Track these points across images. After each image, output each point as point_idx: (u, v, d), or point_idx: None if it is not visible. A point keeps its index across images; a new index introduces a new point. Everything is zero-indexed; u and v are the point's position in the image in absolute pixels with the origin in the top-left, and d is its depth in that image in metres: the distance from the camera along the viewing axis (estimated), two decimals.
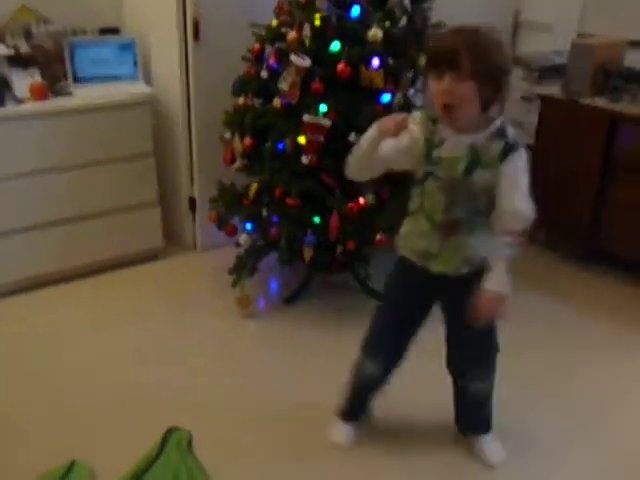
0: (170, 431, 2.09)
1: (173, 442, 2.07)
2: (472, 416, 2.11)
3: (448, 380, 2.08)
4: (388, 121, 1.69)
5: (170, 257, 3.26)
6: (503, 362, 2.59)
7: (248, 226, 2.73)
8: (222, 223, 2.81)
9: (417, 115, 1.74)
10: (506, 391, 2.36)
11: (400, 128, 1.68)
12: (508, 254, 1.68)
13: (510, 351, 2.62)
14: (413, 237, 1.83)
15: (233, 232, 2.81)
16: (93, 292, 2.94)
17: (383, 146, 1.72)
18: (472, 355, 1.97)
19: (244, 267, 2.75)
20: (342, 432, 2.12)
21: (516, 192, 1.68)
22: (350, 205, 2.46)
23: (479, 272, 1.73)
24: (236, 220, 2.79)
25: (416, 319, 1.95)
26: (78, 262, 2.99)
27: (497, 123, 1.68)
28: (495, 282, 1.68)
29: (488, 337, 1.95)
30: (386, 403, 2.17)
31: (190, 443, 2.08)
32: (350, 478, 2.02)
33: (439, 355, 2.03)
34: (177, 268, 3.19)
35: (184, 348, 2.59)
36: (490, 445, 2.09)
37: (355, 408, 2.13)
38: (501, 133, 1.67)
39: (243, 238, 2.74)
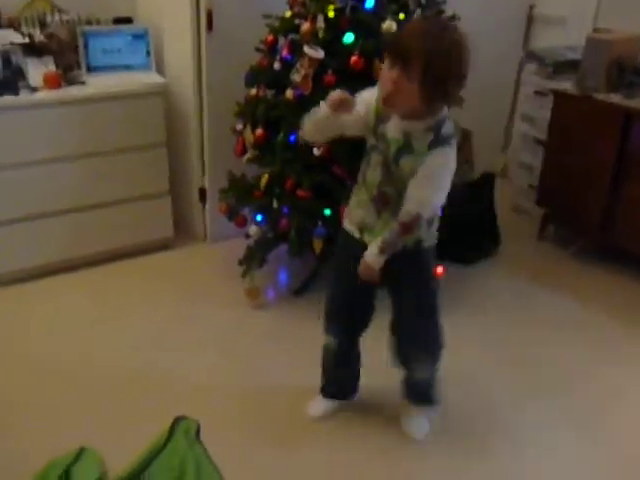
0: (178, 420, 2.09)
1: (181, 431, 2.06)
2: (416, 397, 2.16)
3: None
4: (334, 95, 1.69)
5: (180, 247, 3.27)
6: (511, 357, 2.58)
7: (258, 217, 2.73)
8: (232, 214, 2.81)
9: (377, 89, 1.75)
10: (507, 389, 2.36)
11: (343, 106, 1.68)
12: (392, 242, 1.76)
13: (519, 347, 2.63)
14: (355, 206, 1.90)
15: (243, 223, 2.81)
16: (103, 281, 2.96)
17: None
18: (414, 345, 2.02)
19: (254, 258, 2.76)
20: (316, 405, 2.22)
21: (424, 183, 1.71)
22: None
23: (416, 250, 1.83)
24: (246, 211, 2.80)
25: (360, 291, 1.98)
26: (88, 251, 3.01)
27: (440, 115, 1.69)
28: (369, 256, 1.80)
29: (427, 330, 1.99)
30: (385, 401, 2.17)
31: (198, 432, 2.07)
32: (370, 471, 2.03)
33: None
34: (187, 258, 3.20)
35: (193, 338, 2.60)
36: (417, 419, 2.15)
37: (327, 383, 2.21)
38: (438, 127, 1.68)
39: (253, 229, 2.75)
